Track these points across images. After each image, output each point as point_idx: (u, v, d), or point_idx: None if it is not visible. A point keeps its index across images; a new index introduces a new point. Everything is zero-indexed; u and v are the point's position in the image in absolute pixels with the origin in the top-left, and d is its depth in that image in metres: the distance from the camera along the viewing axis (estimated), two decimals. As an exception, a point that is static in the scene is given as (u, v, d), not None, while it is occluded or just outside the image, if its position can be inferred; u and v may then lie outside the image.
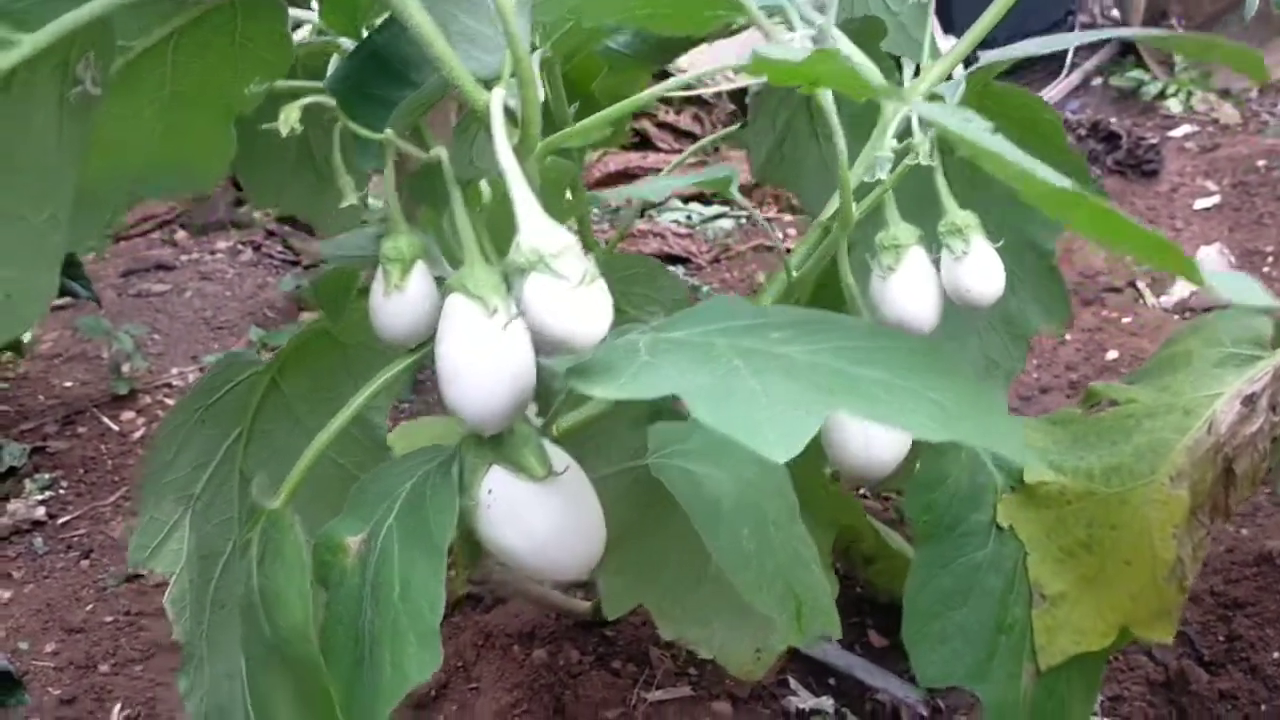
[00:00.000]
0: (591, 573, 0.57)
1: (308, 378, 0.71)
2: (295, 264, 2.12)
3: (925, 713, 1.11)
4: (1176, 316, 1.66)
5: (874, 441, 0.68)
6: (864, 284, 0.68)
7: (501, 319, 0.51)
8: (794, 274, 0.65)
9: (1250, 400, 0.86)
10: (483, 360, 0.51)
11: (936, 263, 0.66)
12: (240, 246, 2.22)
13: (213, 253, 2.19)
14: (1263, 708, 1.07)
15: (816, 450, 0.65)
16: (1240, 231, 1.68)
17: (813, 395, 0.42)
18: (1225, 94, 2.39)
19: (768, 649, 1.05)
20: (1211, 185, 1.84)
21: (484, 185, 0.61)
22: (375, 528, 0.56)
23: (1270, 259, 1.70)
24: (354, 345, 0.72)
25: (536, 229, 0.45)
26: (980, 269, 0.62)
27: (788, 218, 2.01)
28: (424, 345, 0.57)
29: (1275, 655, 1.12)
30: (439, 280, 0.57)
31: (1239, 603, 1.17)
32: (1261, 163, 1.92)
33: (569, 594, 1.15)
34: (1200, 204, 1.75)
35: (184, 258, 2.17)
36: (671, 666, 1.13)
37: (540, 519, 0.54)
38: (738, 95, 2.09)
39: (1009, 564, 0.91)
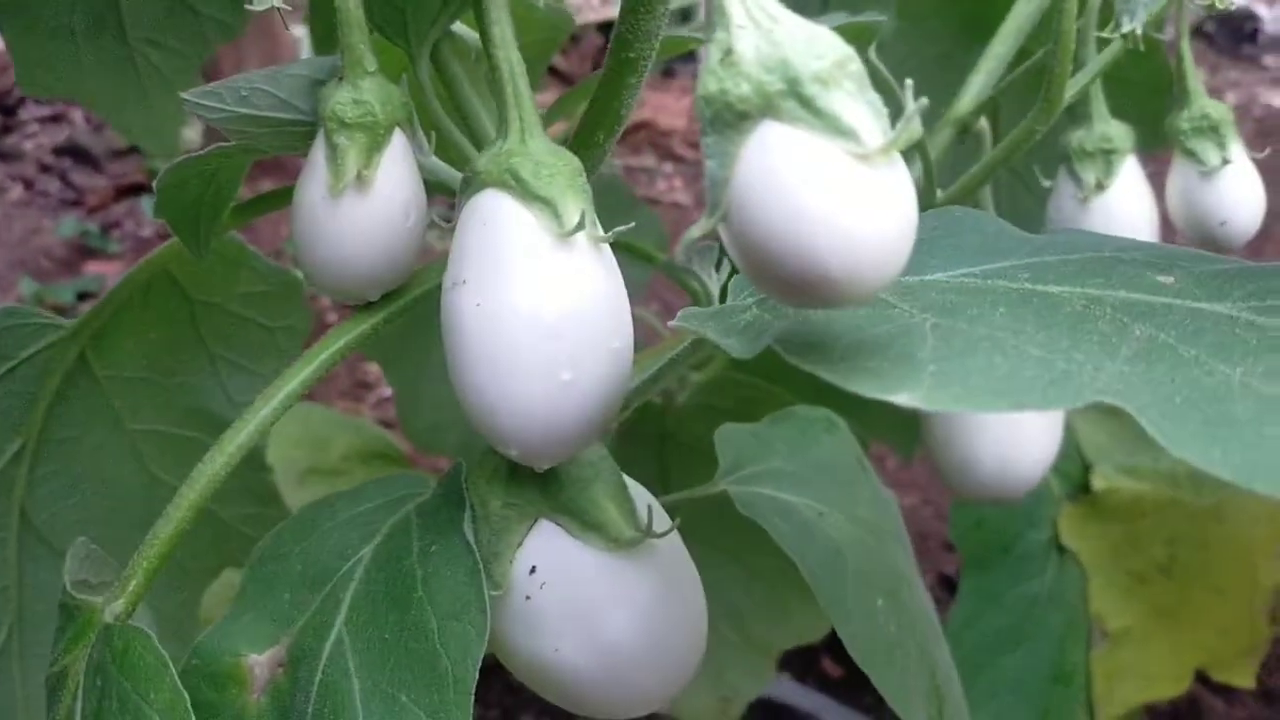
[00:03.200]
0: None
1: (137, 353, 0.43)
2: (78, 204, 1.76)
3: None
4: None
5: (1015, 455, 0.47)
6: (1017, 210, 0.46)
7: (586, 245, 0.26)
8: (938, 194, 0.42)
9: None
10: (552, 328, 0.26)
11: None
12: (7, 182, 1.82)
13: (-28, 189, 1.82)
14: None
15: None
16: None
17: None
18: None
19: (736, 695, 0.83)
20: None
21: (462, 29, 0.35)
22: (304, 638, 0.30)
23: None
24: (216, 301, 0.44)
25: (759, 12, 0.20)
26: (1243, 189, 0.41)
27: (668, 166, 1.78)
28: (396, 295, 0.31)
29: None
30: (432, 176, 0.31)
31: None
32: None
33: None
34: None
35: (-66, 195, 1.80)
36: None
37: (624, 618, 0.29)
38: (606, 27, 1.85)
39: (1071, 595, 0.72)
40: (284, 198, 0.40)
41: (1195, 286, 0.24)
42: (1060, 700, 0.72)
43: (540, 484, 0.30)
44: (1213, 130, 0.42)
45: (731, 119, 0.20)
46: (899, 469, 1.21)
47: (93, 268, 1.60)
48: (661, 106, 1.94)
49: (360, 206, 0.29)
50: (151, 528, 0.46)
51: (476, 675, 0.27)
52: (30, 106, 2.06)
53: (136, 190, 1.79)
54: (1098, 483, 0.72)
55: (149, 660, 0.27)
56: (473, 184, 0.27)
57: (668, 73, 2.07)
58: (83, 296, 1.52)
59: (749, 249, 0.20)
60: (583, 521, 0.29)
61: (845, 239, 0.19)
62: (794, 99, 0.19)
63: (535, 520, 0.30)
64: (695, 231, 0.21)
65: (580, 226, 0.26)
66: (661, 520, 0.30)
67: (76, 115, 2.05)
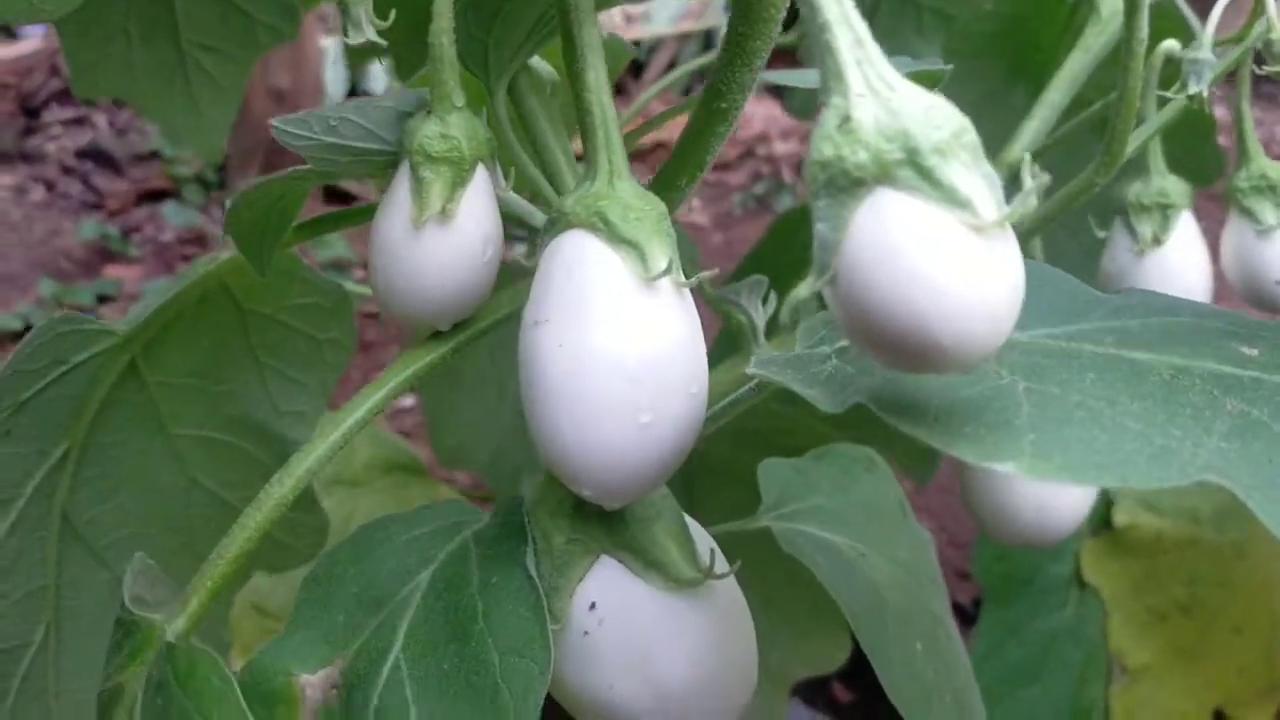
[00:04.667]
0: None
1: (186, 361, 0.43)
2: (98, 207, 1.76)
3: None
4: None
5: (1053, 505, 0.47)
6: (1057, 255, 0.46)
7: (669, 290, 0.26)
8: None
9: None
10: (634, 371, 0.26)
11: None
12: (30, 184, 1.82)
13: (-5, 189, 1.83)
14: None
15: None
16: None
17: None
18: None
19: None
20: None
21: (537, 62, 0.35)
22: (359, 662, 0.30)
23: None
24: (267, 311, 0.44)
25: (878, 81, 0.20)
26: (1301, 251, 0.41)
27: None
28: (464, 326, 0.31)
29: None
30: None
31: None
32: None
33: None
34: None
35: (-44, 195, 1.81)
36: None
37: (680, 658, 0.29)
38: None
39: (1091, 630, 0.72)
40: (342, 220, 0.40)
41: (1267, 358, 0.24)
42: (1077, 737, 0.72)
43: (604, 520, 0.30)
44: (1270, 190, 0.42)
45: (846, 184, 0.20)
46: (913, 494, 1.20)
47: (112, 271, 1.60)
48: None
49: (441, 239, 0.29)
50: (192, 534, 0.47)
51: (538, 714, 0.27)
52: (54, 109, 2.06)
53: (157, 195, 1.79)
54: (1120, 518, 0.72)
55: (214, 682, 0.27)
56: (558, 224, 0.27)
57: (687, 94, 2.08)
58: (102, 299, 1.52)
59: (857, 312, 0.20)
60: (645, 560, 0.29)
61: (957, 308, 0.19)
62: (912, 169, 0.20)
63: (597, 557, 0.30)
64: (803, 291, 0.21)
65: (667, 271, 0.26)
66: (721, 563, 0.30)
67: (100, 119, 2.05)
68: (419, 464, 0.78)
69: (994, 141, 0.47)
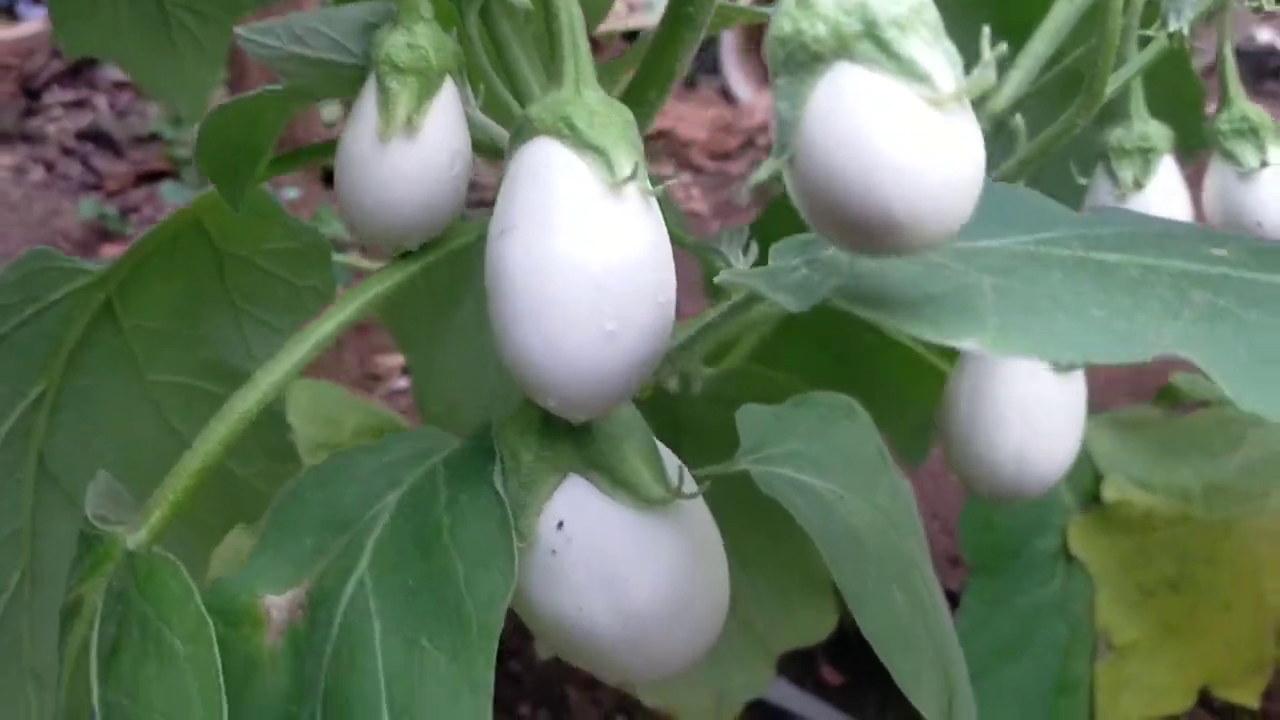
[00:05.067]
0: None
1: (162, 303, 0.42)
2: (97, 188, 1.76)
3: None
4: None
5: (1035, 454, 0.46)
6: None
7: (636, 196, 0.26)
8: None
9: None
10: (599, 278, 0.26)
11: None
12: (29, 164, 1.82)
13: (-7, 169, 1.82)
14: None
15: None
16: None
17: None
18: None
19: (731, 695, 0.83)
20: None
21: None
22: (325, 581, 0.30)
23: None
24: (243, 254, 0.44)
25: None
26: (1280, 191, 0.41)
27: (686, 176, 1.78)
28: (434, 246, 0.31)
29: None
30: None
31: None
32: None
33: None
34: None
35: (-44, 174, 1.80)
36: (594, 714, 0.90)
37: (649, 579, 0.29)
38: (632, 36, 1.84)
39: (1078, 606, 0.72)
40: (318, 153, 0.40)
41: (1249, 259, 0.24)
42: (1063, 711, 0.71)
43: (573, 438, 0.29)
44: (1252, 133, 0.42)
45: (805, 59, 0.20)
46: (908, 476, 1.20)
47: (110, 250, 1.60)
48: (682, 117, 1.94)
49: (408, 152, 0.29)
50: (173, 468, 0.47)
51: (501, 621, 0.27)
52: (55, 91, 2.06)
53: (157, 176, 1.79)
54: (1109, 494, 0.71)
55: (173, 587, 0.26)
56: (524, 132, 0.27)
57: (690, 84, 2.07)
58: (100, 278, 1.52)
59: (815, 191, 0.20)
60: (613, 478, 0.29)
61: (915, 182, 0.19)
62: (870, 41, 0.19)
63: (565, 475, 0.29)
64: (762, 173, 0.20)
65: (632, 177, 0.26)
66: (690, 483, 0.30)
67: (100, 101, 2.05)
68: (408, 430, 0.77)
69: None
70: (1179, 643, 0.71)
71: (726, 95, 1.86)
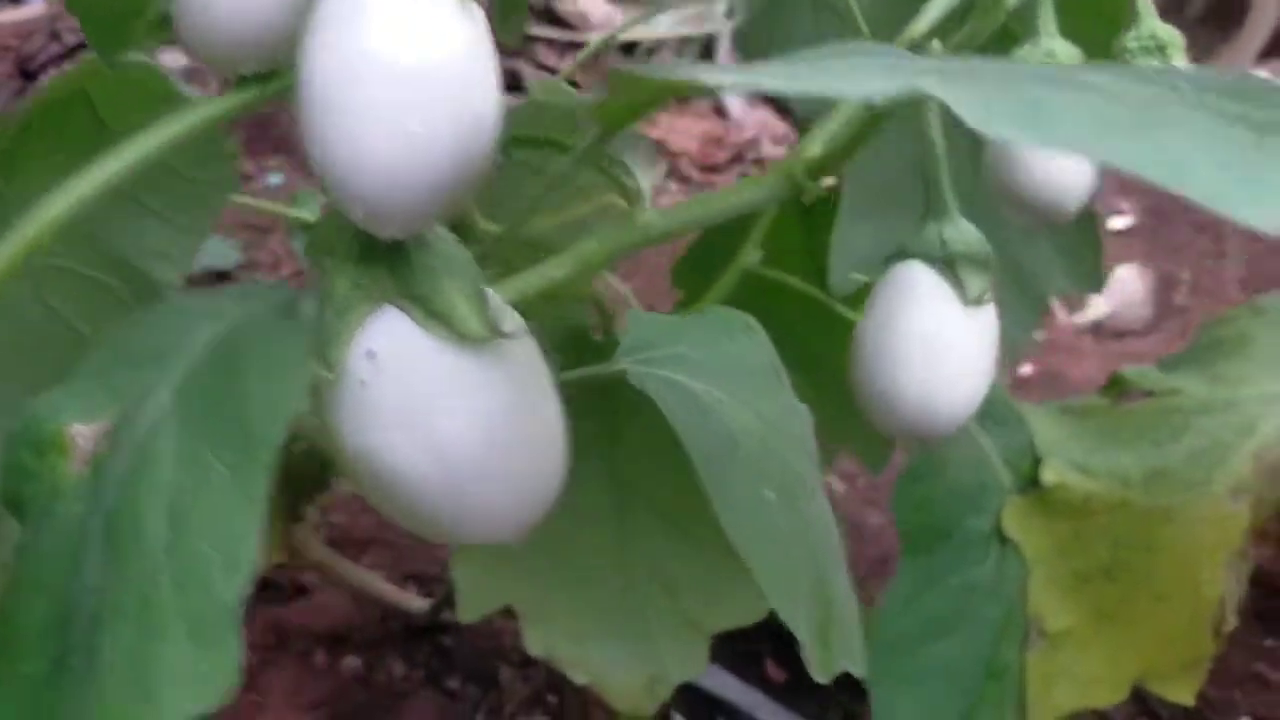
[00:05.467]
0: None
1: (45, 176, 0.42)
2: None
3: (844, 769, 0.89)
4: (1090, 337, 1.53)
5: (937, 393, 0.45)
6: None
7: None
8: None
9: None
10: (402, 75, 0.25)
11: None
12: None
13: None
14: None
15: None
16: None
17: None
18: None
19: (664, 678, 0.81)
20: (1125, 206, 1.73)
21: None
22: (132, 411, 0.29)
23: (1184, 288, 1.59)
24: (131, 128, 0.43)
25: None
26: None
27: (673, 185, 1.78)
28: (274, 78, 0.30)
29: (1242, 721, 0.96)
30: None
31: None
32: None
33: (401, 586, 0.88)
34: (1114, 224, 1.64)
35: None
36: (524, 691, 0.88)
37: (461, 416, 0.28)
38: (629, 48, 1.85)
39: (1011, 589, 0.70)
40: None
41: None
42: (991, 695, 0.69)
43: (391, 268, 0.28)
44: (1159, 50, 0.41)
45: None
46: (869, 488, 1.19)
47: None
48: (674, 129, 1.95)
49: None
50: (49, 367, 0.46)
51: (283, 434, 0.25)
52: (51, 73, 2.07)
53: (147, 154, 1.80)
54: (1048, 476, 0.70)
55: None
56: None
57: (684, 98, 2.08)
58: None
59: None
60: (427, 309, 0.28)
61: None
62: None
63: (380, 306, 0.28)
64: None
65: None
66: (513, 322, 0.29)
67: (97, 83, 2.07)
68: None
69: (899, 22, 0.46)
70: (1113, 633, 0.69)
71: (719, 109, 1.87)
